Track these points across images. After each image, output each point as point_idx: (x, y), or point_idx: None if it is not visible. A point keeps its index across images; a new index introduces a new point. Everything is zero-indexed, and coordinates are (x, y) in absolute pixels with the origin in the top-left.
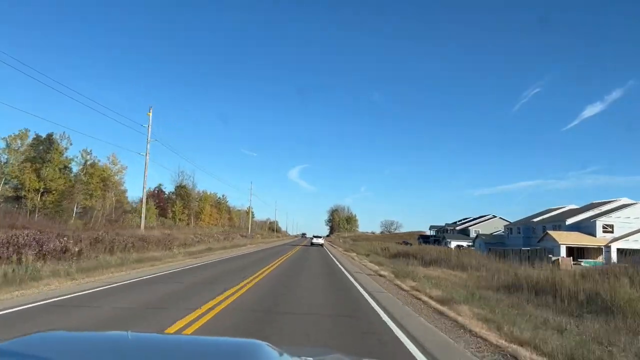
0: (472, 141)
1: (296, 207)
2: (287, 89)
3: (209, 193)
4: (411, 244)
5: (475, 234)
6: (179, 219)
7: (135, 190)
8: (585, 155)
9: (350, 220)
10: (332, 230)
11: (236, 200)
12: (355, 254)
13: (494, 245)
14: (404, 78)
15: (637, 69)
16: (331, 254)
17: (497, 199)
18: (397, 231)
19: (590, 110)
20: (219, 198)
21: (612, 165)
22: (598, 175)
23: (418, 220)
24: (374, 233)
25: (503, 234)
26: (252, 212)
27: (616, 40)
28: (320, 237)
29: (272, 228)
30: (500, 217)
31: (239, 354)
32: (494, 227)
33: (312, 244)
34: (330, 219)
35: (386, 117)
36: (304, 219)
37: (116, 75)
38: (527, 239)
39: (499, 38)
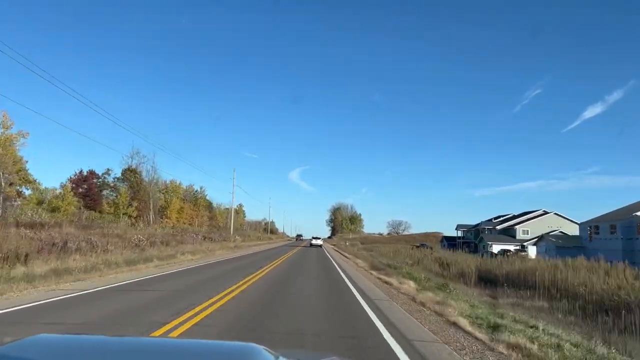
0: (472, 142)
1: (297, 208)
2: (288, 89)
3: (178, 183)
4: (430, 247)
5: (524, 235)
6: (125, 214)
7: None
8: (586, 155)
9: (355, 219)
10: (334, 232)
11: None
12: (410, 283)
13: (569, 250)
14: (404, 78)
15: (637, 69)
16: (351, 281)
17: (498, 200)
18: (405, 232)
19: (591, 111)
20: (196, 191)
21: (613, 166)
22: (599, 175)
23: (425, 220)
24: (381, 234)
25: (559, 234)
26: (244, 212)
27: (616, 40)
28: (319, 238)
29: (267, 229)
30: (555, 213)
31: (235, 358)
32: (547, 225)
33: (311, 244)
34: (331, 219)
35: (386, 117)
36: (306, 220)
37: (116, 75)
38: (629, 241)
39: (499, 39)
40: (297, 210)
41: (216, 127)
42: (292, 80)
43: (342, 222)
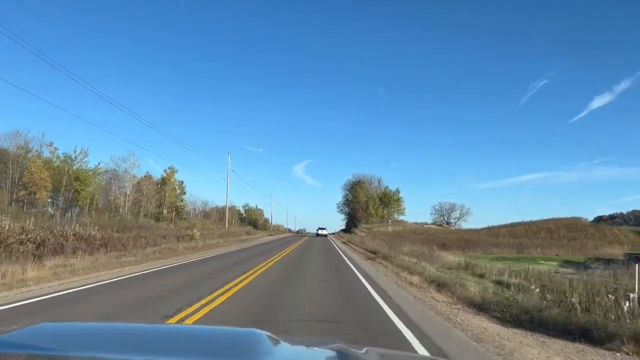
0: (476, 134)
1: (303, 202)
2: (289, 84)
3: None
4: None
5: None
6: None
7: None
8: (594, 146)
9: (389, 199)
10: (352, 221)
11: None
12: None
13: None
14: (408, 72)
15: None
16: None
17: (502, 193)
18: (464, 222)
19: (599, 101)
20: None
21: (622, 156)
22: (607, 166)
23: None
24: (440, 225)
25: None
26: (178, 184)
27: (623, 29)
28: (324, 228)
29: (224, 218)
30: None
31: (238, 343)
32: None
33: (317, 234)
34: (347, 201)
35: (390, 111)
36: (311, 215)
37: (113, 66)
38: None
39: (505, 30)
40: (304, 205)
41: (220, 120)
42: (294, 75)
43: (368, 203)
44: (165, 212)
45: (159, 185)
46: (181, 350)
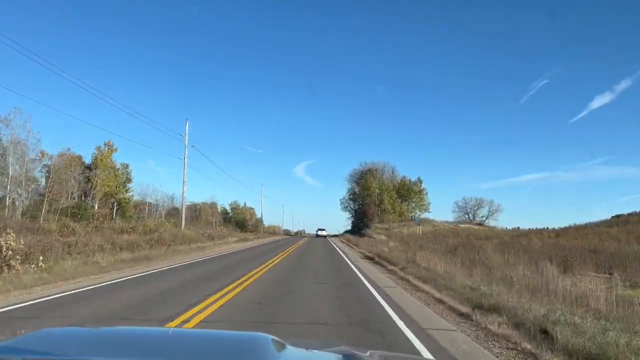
0: (476, 134)
1: (304, 204)
2: (293, 82)
3: None
4: None
5: None
6: None
7: None
8: (595, 146)
9: (409, 191)
10: (360, 221)
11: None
12: None
13: None
14: (408, 71)
15: None
16: None
17: (502, 193)
18: (494, 220)
19: (599, 101)
20: None
21: (623, 156)
22: (608, 166)
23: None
24: (480, 225)
25: None
26: (120, 168)
27: (624, 28)
28: (324, 229)
29: (181, 216)
30: None
31: (244, 347)
32: None
33: (317, 235)
34: (354, 194)
35: (391, 110)
36: (312, 215)
37: (115, 67)
38: None
39: (505, 29)
40: (303, 204)
41: (220, 120)
42: (298, 73)
43: (382, 195)
44: (96, 206)
45: (90, 170)
46: (186, 355)
